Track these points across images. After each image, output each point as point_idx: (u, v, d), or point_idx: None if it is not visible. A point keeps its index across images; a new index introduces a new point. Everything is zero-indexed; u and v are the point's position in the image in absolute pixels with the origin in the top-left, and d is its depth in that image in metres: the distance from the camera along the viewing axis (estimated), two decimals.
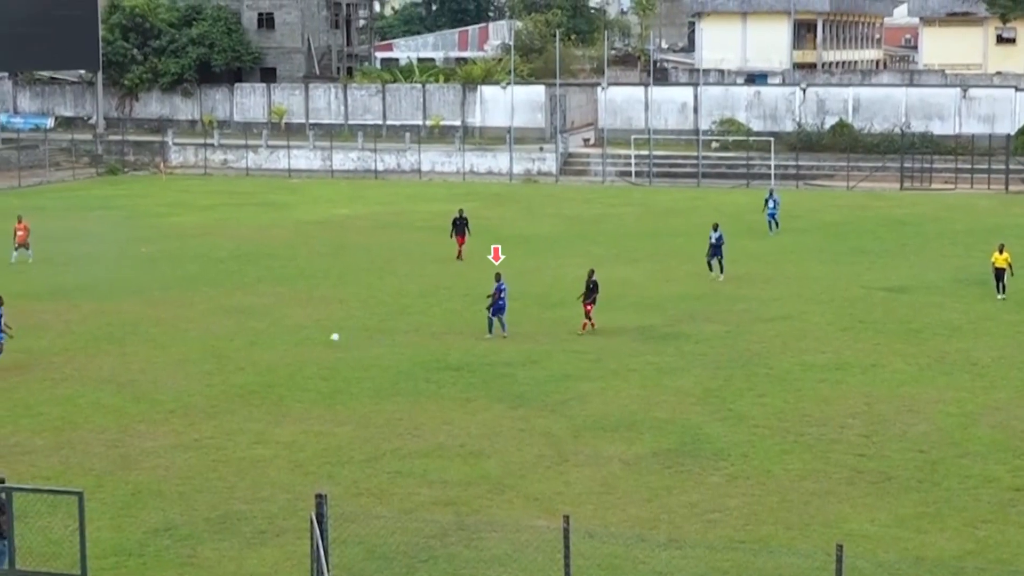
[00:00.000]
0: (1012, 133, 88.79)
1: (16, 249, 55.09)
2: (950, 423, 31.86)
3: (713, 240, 50.85)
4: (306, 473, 28.08)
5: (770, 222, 63.63)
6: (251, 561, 23.34)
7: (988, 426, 31.58)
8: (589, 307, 41.39)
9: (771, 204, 63.82)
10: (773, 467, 28.48)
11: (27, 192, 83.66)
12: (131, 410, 32.89)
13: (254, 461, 28.89)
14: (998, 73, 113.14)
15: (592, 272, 41.92)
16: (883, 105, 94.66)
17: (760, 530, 24.81)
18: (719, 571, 22.81)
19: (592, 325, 41.36)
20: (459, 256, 55.40)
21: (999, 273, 47.14)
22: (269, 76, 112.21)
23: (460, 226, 56.36)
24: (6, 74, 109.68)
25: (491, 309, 41.05)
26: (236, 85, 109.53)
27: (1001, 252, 47.13)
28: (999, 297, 46.84)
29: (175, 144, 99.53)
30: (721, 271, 50.66)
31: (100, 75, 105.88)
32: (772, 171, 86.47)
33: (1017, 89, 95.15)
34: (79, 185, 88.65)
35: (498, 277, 41.39)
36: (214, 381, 35.72)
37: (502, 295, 40.95)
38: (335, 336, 40.06)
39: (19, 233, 55.47)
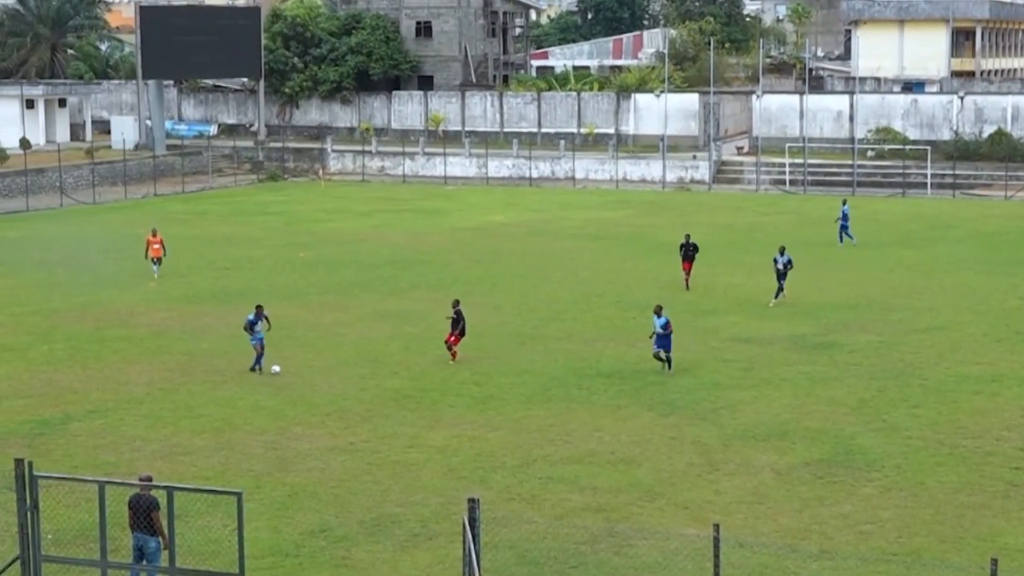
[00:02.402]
0: None
1: (153, 263, 52.96)
2: None
3: (780, 265, 47.19)
4: (459, 477, 28.39)
5: (841, 234, 61.96)
6: (404, 564, 23.67)
7: None
8: (453, 339, 38.52)
9: (842, 215, 62.20)
10: (927, 479, 28.22)
11: (190, 197, 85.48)
12: (289, 413, 33.51)
13: (408, 465, 29.27)
14: None
15: (456, 303, 39.08)
16: None
17: (913, 543, 24.61)
18: None
19: (454, 356, 38.58)
20: (687, 286, 50.21)
21: None
22: (426, 84, 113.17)
23: (689, 252, 50.77)
24: (171, 82, 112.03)
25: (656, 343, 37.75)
26: (394, 93, 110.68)
27: None
28: None
29: (334, 151, 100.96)
30: (777, 295, 47.26)
31: (262, 83, 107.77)
32: (928, 180, 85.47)
33: None
34: (240, 191, 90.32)
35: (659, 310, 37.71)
36: (369, 385, 36.24)
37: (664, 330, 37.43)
38: (276, 368, 37.52)
39: (154, 247, 53.02)
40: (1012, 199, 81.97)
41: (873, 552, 23.91)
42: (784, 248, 48.00)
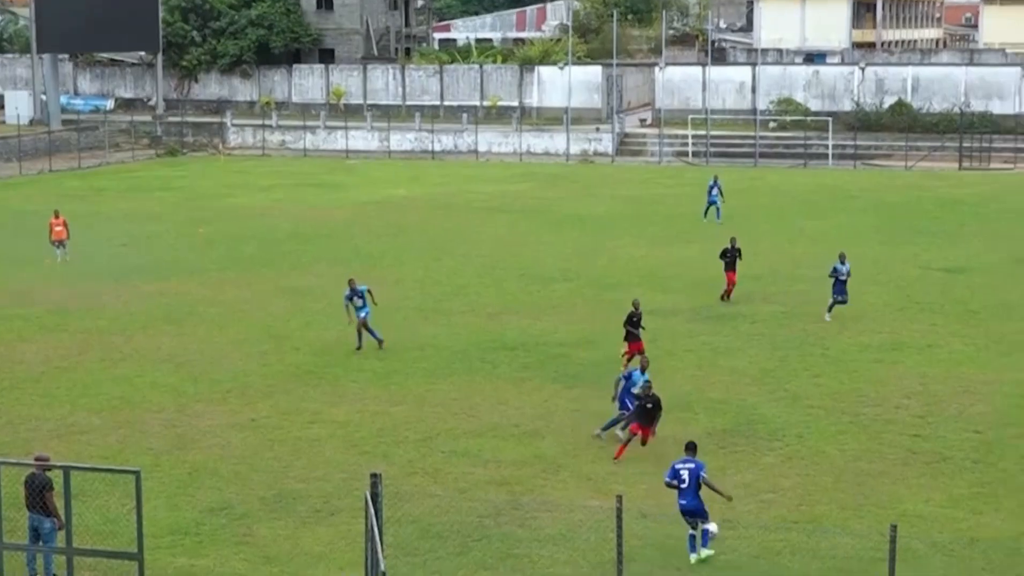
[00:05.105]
0: None
1: (56, 246, 50.74)
2: (1006, 404, 31.71)
3: (843, 275, 40.79)
4: (361, 453, 28.22)
5: (709, 208, 60.52)
6: (306, 540, 23.48)
7: None
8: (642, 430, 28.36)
9: (714, 191, 60.69)
10: (828, 447, 28.41)
11: (87, 173, 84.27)
12: (188, 390, 33.13)
13: (310, 441, 29.05)
14: None
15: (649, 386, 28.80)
16: (942, 84, 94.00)
17: (814, 510, 24.76)
18: (772, 551, 22.79)
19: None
20: (728, 296, 43.58)
21: None
22: (327, 57, 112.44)
23: (731, 260, 43.54)
24: (67, 56, 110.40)
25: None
26: (294, 66, 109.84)
27: None
28: None
29: (233, 125, 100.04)
30: (832, 307, 40.83)
31: (160, 57, 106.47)
32: (830, 150, 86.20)
33: None
34: (138, 166, 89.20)
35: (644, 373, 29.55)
36: (271, 361, 35.92)
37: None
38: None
39: (56, 229, 50.93)
40: (912, 169, 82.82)
41: (775, 520, 24.03)
42: (844, 256, 41.51)
